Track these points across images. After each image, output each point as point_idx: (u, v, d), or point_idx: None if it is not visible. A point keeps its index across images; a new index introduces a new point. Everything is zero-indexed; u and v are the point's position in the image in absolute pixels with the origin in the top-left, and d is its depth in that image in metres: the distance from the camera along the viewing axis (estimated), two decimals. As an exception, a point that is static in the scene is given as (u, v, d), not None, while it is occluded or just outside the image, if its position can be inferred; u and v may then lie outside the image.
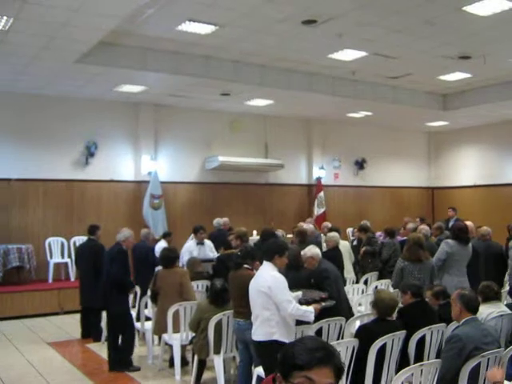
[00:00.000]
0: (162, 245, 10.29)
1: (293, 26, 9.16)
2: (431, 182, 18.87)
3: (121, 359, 7.38)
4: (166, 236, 10.71)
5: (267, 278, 5.07)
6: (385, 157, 17.41)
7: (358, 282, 9.38)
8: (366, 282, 9.21)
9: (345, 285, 8.29)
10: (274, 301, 4.98)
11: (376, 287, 8.25)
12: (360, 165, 16.94)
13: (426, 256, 7.41)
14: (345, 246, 10.01)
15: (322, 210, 15.30)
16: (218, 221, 11.42)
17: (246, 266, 6.06)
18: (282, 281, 5.06)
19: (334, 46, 10.31)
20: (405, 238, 9.88)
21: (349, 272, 9.83)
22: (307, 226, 10.51)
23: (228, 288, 6.34)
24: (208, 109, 13.97)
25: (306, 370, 1.97)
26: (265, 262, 5.25)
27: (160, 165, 13.47)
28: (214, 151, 14.13)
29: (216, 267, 8.58)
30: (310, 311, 5.20)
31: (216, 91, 12.18)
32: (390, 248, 9.96)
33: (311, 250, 6.74)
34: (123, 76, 10.91)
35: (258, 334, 5.14)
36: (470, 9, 8.52)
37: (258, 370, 5.49)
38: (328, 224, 11.63)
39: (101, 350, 8.23)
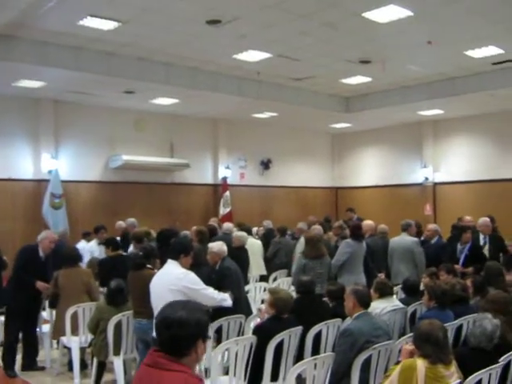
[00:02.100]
0: (83, 244, 10.07)
1: (197, 25, 9.14)
2: (335, 182, 19.38)
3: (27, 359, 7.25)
4: (85, 235, 10.45)
5: (179, 276, 5.04)
6: (290, 157, 17.70)
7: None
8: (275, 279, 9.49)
9: (247, 283, 8.43)
10: (194, 296, 4.94)
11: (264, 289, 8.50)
12: (265, 165, 17.14)
13: (324, 252, 7.70)
14: (257, 244, 10.32)
15: (228, 210, 15.37)
16: (120, 224, 11.13)
17: (148, 266, 6.01)
18: (194, 275, 5.11)
19: (238, 46, 10.38)
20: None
21: (261, 269, 10.06)
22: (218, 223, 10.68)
23: (125, 288, 6.25)
24: (112, 106, 13.69)
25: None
26: (170, 261, 5.22)
27: (61, 163, 13.04)
28: (118, 150, 13.85)
29: (101, 270, 8.14)
30: (226, 295, 5.40)
31: (120, 89, 11.95)
32: (275, 246, 10.40)
33: (218, 246, 6.78)
34: (21, 71, 10.46)
35: None
36: (369, 15, 8.81)
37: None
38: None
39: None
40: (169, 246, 5.48)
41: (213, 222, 11.42)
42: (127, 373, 6.59)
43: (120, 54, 10.73)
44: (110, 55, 10.67)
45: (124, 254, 8.15)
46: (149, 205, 14.31)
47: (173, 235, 7.68)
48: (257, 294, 8.57)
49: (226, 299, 5.40)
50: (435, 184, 16.78)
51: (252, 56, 10.98)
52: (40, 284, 7.16)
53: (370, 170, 18.42)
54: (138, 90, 12.07)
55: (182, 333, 2.46)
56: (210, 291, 5.16)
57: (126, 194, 14.01)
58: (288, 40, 10.05)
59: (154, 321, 2.66)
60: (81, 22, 8.96)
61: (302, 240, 9.85)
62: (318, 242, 7.89)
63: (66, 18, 8.79)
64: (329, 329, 5.49)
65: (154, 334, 5.15)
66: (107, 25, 9.09)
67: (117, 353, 6.24)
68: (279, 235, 10.92)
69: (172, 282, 5.03)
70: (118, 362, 6.26)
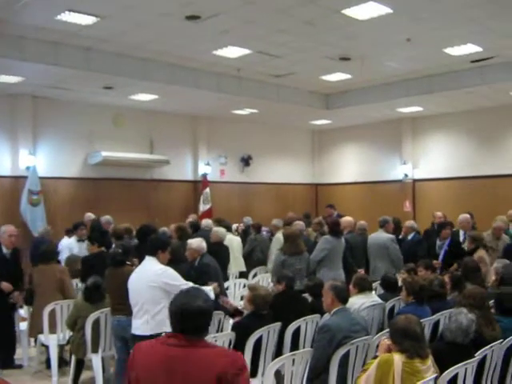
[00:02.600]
0: (66, 241, 9.99)
1: (176, 20, 9.10)
2: (315, 178, 19.43)
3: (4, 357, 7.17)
4: (69, 232, 10.37)
5: (158, 272, 5.05)
6: (270, 154, 17.71)
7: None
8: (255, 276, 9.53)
9: (226, 280, 8.43)
10: (174, 291, 4.92)
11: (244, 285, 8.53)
12: (246, 161, 17.12)
13: (303, 248, 7.72)
14: (236, 241, 10.36)
15: (208, 207, 15.34)
16: (89, 216, 11.10)
17: (127, 263, 5.99)
18: (172, 271, 5.12)
19: (218, 42, 10.35)
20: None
21: (240, 266, 10.08)
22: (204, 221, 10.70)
23: (102, 285, 6.22)
24: (91, 102, 13.56)
25: None
26: (148, 258, 5.22)
27: (39, 159, 12.90)
28: (97, 146, 13.72)
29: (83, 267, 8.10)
30: (208, 288, 5.36)
31: (98, 84, 11.83)
32: (251, 243, 10.58)
33: (197, 243, 6.81)
34: (-1, 65, 10.36)
35: (146, 328, 5.06)
36: (348, 12, 8.83)
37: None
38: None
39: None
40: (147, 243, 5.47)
41: (191, 218, 11.39)
42: (106, 370, 6.58)
43: (99, 49, 10.63)
44: (88, 50, 10.58)
45: (105, 250, 8.08)
46: (128, 201, 14.23)
47: (151, 232, 7.64)
48: (236, 290, 8.57)
49: (208, 291, 5.35)
50: (414, 181, 16.90)
51: (232, 52, 10.96)
52: (4, 284, 7.08)
53: (349, 166, 18.49)
54: (117, 85, 11.98)
55: (203, 320, 2.80)
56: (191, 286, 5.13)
57: (105, 191, 13.91)
58: (267, 36, 10.04)
59: (170, 309, 2.86)
60: (59, 17, 8.87)
61: (277, 236, 9.95)
62: (297, 238, 7.90)
63: (44, 12, 8.69)
64: (307, 325, 5.51)
65: (133, 330, 5.18)
66: (86, 20, 9.01)
67: (95, 350, 6.22)
68: (254, 232, 10.97)
69: (151, 278, 5.02)
70: (96, 360, 6.23)
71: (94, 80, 11.45)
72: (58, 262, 8.15)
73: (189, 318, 2.74)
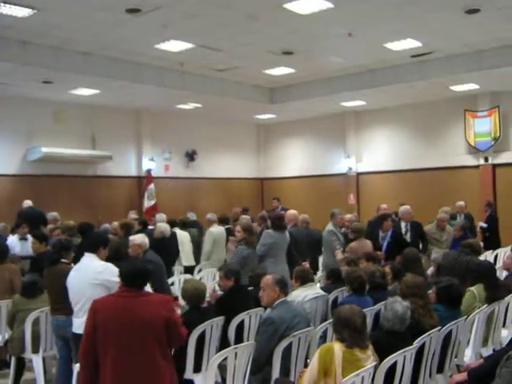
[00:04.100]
0: (9, 240, 9.68)
1: (117, 13, 8.96)
2: (260, 173, 19.49)
3: None
4: (13, 230, 10.06)
5: (99, 269, 4.96)
6: (215, 148, 17.65)
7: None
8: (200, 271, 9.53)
9: (170, 276, 8.37)
10: (114, 288, 4.85)
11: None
12: (191, 156, 17.02)
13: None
14: (185, 236, 10.35)
15: (153, 203, 15.20)
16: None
17: (63, 260, 5.84)
18: (113, 267, 5.00)
19: (160, 36, 10.25)
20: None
21: (189, 260, 10.16)
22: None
23: (38, 281, 6.10)
24: (30, 97, 13.18)
25: None
26: (87, 254, 5.12)
27: (-25, 156, 12.54)
28: (37, 142, 13.39)
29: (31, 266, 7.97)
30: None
31: (37, 79, 11.53)
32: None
33: (140, 239, 6.80)
34: None
35: None
36: (290, 6, 8.87)
37: (79, 366, 5.30)
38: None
39: None
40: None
41: (133, 214, 11.29)
42: (47, 371, 6.41)
43: (36, 42, 10.36)
44: (24, 44, 10.30)
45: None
46: (70, 198, 13.94)
47: (90, 229, 7.53)
48: (181, 286, 8.47)
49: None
50: (358, 174, 17.17)
51: (174, 46, 10.86)
52: None
53: (295, 160, 18.62)
54: (57, 79, 11.70)
55: (147, 278, 4.04)
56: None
57: (47, 188, 13.56)
58: (210, 30, 9.99)
59: (122, 271, 4.01)
60: (-7, 9, 8.60)
61: (210, 230, 10.17)
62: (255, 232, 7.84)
63: (-24, 4, 8.42)
64: (251, 318, 5.51)
65: (74, 329, 5.07)
66: (21, 12, 8.75)
67: (35, 350, 6.06)
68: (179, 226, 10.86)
69: (92, 276, 4.93)
70: (37, 360, 6.07)
71: (32, 74, 11.17)
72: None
73: (138, 276, 3.92)
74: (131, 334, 3.75)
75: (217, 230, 10.29)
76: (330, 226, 9.04)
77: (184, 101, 14.59)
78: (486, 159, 14.64)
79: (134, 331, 3.75)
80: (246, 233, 7.35)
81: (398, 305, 4.32)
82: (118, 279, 4.90)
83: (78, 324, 5.04)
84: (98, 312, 3.83)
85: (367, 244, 8.24)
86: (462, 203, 11.92)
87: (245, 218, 9.65)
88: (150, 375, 3.77)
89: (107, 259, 5.54)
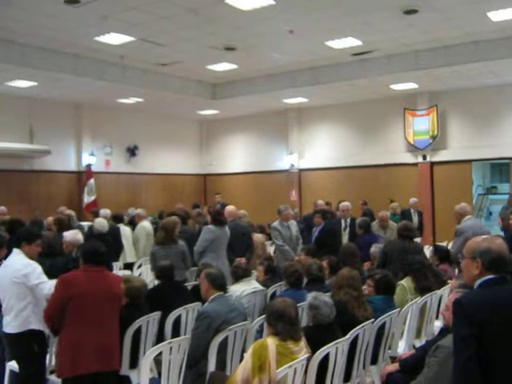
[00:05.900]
0: None
1: (54, 4, 8.72)
2: (203, 169, 19.42)
3: None
4: None
5: (19, 267, 4.83)
6: (157, 144, 17.49)
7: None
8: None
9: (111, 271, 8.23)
10: (30, 287, 4.75)
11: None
12: (132, 152, 16.81)
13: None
14: (128, 231, 10.48)
15: (93, 198, 14.91)
16: None
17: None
18: (35, 266, 4.91)
19: (99, 28, 10.05)
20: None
21: (133, 256, 10.27)
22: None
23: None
24: (-38, 88, 12.78)
25: None
26: (14, 250, 4.99)
27: None
28: (-30, 135, 12.99)
29: None
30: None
31: (-29, 69, 11.18)
32: None
33: (72, 235, 6.74)
34: None
35: (13, 326, 4.84)
36: (231, 2, 8.85)
37: (11, 365, 5.17)
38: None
39: None
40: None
41: (62, 210, 11.12)
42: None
43: (-30, 31, 10.03)
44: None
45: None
46: (6, 194, 13.53)
47: (20, 225, 7.36)
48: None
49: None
50: (300, 170, 17.30)
51: (114, 39, 10.67)
52: None
53: (238, 156, 18.64)
54: (-8, 70, 11.36)
55: (106, 256, 4.60)
56: (49, 286, 4.81)
57: (-20, 183, 13.17)
58: (150, 24, 9.86)
59: (85, 250, 4.57)
60: None
61: (142, 225, 10.42)
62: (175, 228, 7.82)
63: None
64: (188, 313, 5.49)
65: (3, 328, 4.93)
66: (-47, -1, 8.46)
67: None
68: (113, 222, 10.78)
69: (14, 274, 4.83)
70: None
71: (-35, 64, 10.79)
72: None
73: (99, 254, 4.44)
74: (106, 304, 4.33)
75: (149, 224, 10.63)
76: (274, 223, 9.07)
77: (125, 95, 14.38)
78: (425, 157, 15.00)
79: (108, 302, 4.36)
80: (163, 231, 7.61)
81: (322, 297, 4.41)
82: (37, 281, 4.79)
83: (6, 322, 4.91)
84: (72, 284, 4.26)
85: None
86: (415, 200, 12.61)
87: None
88: (109, 345, 4.35)
89: (40, 255, 5.42)
